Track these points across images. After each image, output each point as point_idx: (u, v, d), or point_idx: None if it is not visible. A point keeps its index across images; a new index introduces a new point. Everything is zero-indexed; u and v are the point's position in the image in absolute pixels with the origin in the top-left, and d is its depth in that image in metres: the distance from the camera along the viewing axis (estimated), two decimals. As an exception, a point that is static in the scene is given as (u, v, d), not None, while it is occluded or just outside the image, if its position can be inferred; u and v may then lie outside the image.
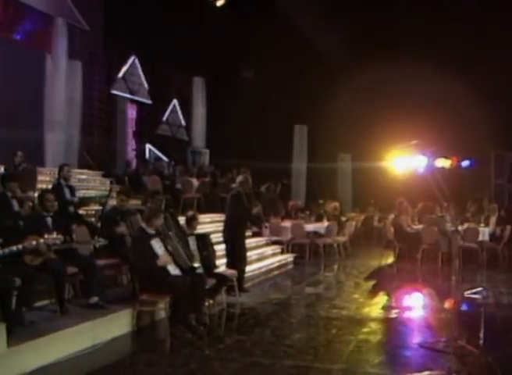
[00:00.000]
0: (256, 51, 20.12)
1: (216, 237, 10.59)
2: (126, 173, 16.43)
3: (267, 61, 20.19)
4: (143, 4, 17.78)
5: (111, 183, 14.42)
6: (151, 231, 7.93)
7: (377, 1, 18.55)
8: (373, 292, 11.24)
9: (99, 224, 9.33)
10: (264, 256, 13.74)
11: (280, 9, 19.40)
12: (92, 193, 12.83)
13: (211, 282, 8.28)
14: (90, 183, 14.57)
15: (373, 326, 8.29)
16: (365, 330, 7.98)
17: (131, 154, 20.57)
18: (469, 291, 10.54)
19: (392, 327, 8.47)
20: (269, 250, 14.44)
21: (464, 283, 10.99)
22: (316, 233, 15.94)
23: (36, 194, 9.42)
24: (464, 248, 13.80)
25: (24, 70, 15.24)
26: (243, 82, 22.43)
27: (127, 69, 20.31)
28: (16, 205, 9.00)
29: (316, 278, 13.06)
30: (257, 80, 21.88)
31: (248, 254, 11.39)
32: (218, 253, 10.02)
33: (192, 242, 8.64)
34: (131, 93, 20.53)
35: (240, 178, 11.08)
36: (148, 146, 21.47)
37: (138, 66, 20.81)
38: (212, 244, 9.26)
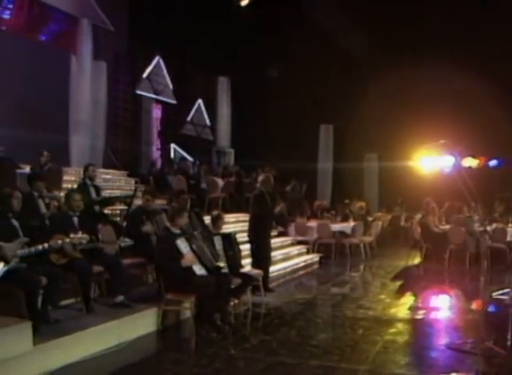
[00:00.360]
0: (281, 50, 20.05)
1: (241, 237, 10.54)
2: (151, 173, 16.49)
3: (292, 60, 20.13)
4: (167, 4, 17.80)
5: (136, 183, 14.49)
6: (176, 231, 7.93)
7: (404, 2, 18.37)
8: (400, 293, 11.12)
9: (124, 224, 9.36)
10: (289, 256, 13.66)
11: (306, 9, 19.32)
12: (117, 193, 12.86)
13: (236, 282, 8.26)
14: (115, 183, 14.66)
15: (400, 326, 8.20)
16: (392, 330, 7.90)
17: (156, 154, 20.64)
18: (497, 292, 10.38)
19: (419, 328, 8.37)
20: (295, 250, 14.37)
21: (492, 284, 10.80)
22: (342, 233, 15.88)
23: (62, 194, 9.47)
24: (492, 248, 13.66)
25: (49, 71, 15.35)
26: (268, 81, 22.38)
27: (152, 70, 20.39)
28: (42, 205, 9.03)
29: (342, 278, 12.97)
30: (282, 80, 21.81)
31: (274, 254, 11.35)
32: (244, 253, 9.97)
33: (218, 242, 8.61)
34: (156, 93, 20.59)
35: (261, 178, 11.06)
36: (173, 146, 21.53)
37: (163, 66, 20.88)
38: (238, 244, 9.22)
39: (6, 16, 14.79)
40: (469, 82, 17.32)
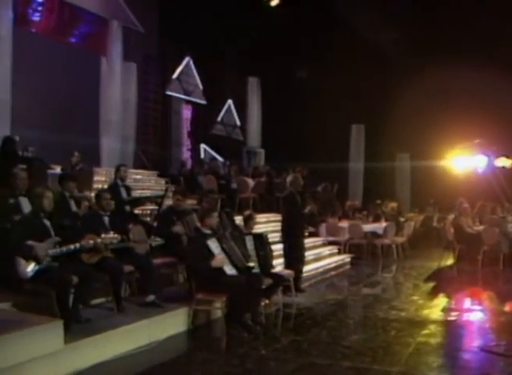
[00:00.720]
0: (311, 50, 19.99)
1: (272, 237, 10.51)
2: (182, 173, 16.51)
3: (323, 60, 20.06)
4: (197, 5, 17.83)
5: (166, 183, 14.53)
6: (207, 231, 7.92)
7: (438, 2, 18.18)
8: (432, 294, 10.98)
9: (155, 224, 9.37)
10: (320, 256, 13.59)
11: (338, 8, 19.21)
12: (147, 193, 12.90)
13: (267, 282, 8.21)
14: (145, 183, 14.72)
15: (432, 328, 8.08)
16: (424, 332, 7.78)
17: (186, 154, 20.73)
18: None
19: (452, 330, 8.24)
20: (326, 250, 14.29)
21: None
22: (374, 234, 15.78)
23: (92, 194, 9.52)
24: (527, 249, 13.46)
25: (80, 73, 15.52)
26: (299, 82, 22.33)
27: (182, 70, 20.48)
28: (73, 205, 9.08)
29: (374, 279, 12.86)
30: (312, 80, 21.76)
31: (305, 254, 11.29)
32: (276, 253, 9.93)
33: (249, 242, 8.56)
34: (186, 94, 20.66)
35: (289, 178, 10.98)
36: (203, 146, 21.60)
37: (193, 66, 20.96)
38: (269, 244, 9.18)
39: (36, 18, 14.93)
40: (503, 81, 17.09)
